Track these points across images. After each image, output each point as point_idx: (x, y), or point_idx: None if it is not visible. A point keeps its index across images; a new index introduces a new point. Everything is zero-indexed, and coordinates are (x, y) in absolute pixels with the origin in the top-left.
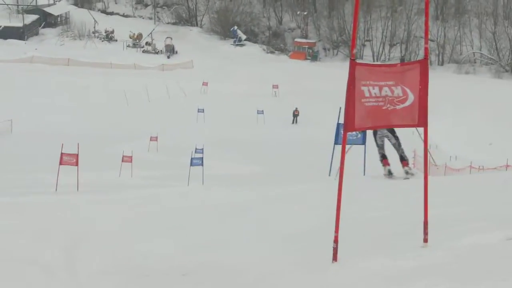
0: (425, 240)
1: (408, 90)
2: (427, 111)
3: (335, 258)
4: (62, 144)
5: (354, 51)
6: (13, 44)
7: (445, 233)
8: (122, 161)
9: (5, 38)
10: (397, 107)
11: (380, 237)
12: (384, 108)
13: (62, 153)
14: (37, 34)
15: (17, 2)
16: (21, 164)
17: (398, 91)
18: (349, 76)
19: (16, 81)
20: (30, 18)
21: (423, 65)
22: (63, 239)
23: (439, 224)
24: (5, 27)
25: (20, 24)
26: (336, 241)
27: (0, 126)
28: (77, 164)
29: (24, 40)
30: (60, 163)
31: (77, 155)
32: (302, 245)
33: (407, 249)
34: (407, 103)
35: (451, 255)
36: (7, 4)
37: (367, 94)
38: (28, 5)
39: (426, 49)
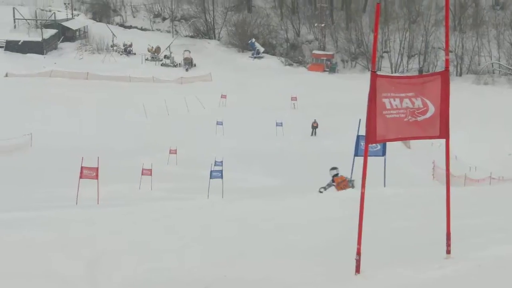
0: (448, 252)
1: (428, 102)
2: (449, 122)
3: (358, 270)
4: (82, 158)
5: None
6: (33, 58)
7: (467, 244)
8: (142, 174)
9: (25, 52)
10: (418, 118)
11: (402, 248)
12: (405, 120)
13: (82, 167)
14: (56, 48)
15: (36, 17)
16: (42, 178)
17: (418, 102)
18: (370, 88)
19: (36, 95)
20: (49, 32)
21: (444, 77)
22: (85, 253)
23: (461, 235)
24: (25, 42)
25: (39, 39)
26: (358, 253)
27: (20, 141)
28: (97, 178)
29: (43, 54)
30: (80, 177)
31: (97, 168)
32: (325, 257)
33: (430, 261)
34: (428, 115)
35: (474, 266)
36: (26, 19)
37: (388, 106)
38: (47, 20)
39: (447, 60)
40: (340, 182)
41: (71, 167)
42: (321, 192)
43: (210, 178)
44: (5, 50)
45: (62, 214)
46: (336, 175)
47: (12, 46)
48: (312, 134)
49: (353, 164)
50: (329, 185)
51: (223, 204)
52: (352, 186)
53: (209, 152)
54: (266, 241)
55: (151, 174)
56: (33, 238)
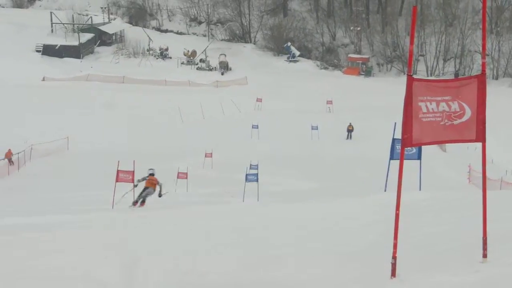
0: (484, 256)
1: (465, 105)
2: (485, 126)
3: (393, 274)
4: (118, 162)
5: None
6: (70, 62)
7: (504, 248)
8: (178, 177)
9: (62, 56)
10: (455, 122)
11: (438, 252)
12: (441, 123)
13: (118, 170)
14: (92, 52)
15: (73, 21)
16: (78, 181)
17: (455, 106)
18: (406, 91)
19: (72, 99)
20: (86, 36)
21: (481, 80)
22: (121, 256)
23: (498, 239)
24: (62, 46)
25: (76, 43)
26: (394, 256)
27: (57, 144)
28: (133, 181)
29: (80, 58)
30: (116, 180)
31: (133, 172)
32: (360, 262)
33: (466, 265)
34: (464, 118)
35: (510, 271)
36: (64, 23)
37: (424, 110)
38: (84, 24)
39: (483, 64)
40: (150, 180)
41: (106, 171)
42: (135, 185)
43: (246, 181)
44: (42, 54)
45: (99, 218)
46: (152, 174)
47: (49, 50)
48: (347, 138)
49: (388, 167)
50: (143, 179)
51: (259, 207)
52: (160, 192)
53: (244, 156)
54: (301, 245)
55: (186, 178)
56: (70, 241)
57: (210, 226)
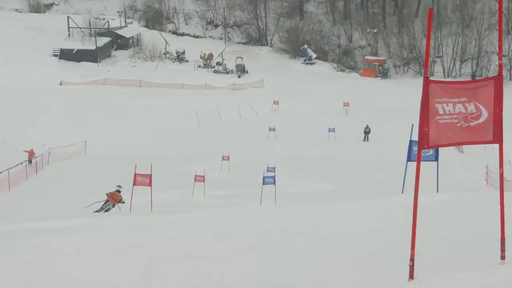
0: (502, 257)
1: (481, 107)
2: (502, 127)
3: (411, 276)
4: (136, 165)
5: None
6: (87, 66)
7: None
8: (195, 180)
9: (79, 60)
10: (471, 123)
11: (456, 254)
12: (458, 125)
13: (135, 174)
14: (109, 56)
15: (90, 25)
16: (96, 185)
17: (471, 107)
18: (423, 93)
19: (90, 103)
20: (103, 40)
21: (498, 82)
22: (139, 260)
23: None
24: (79, 50)
25: (93, 47)
26: (412, 259)
27: (75, 148)
28: (150, 185)
29: (97, 62)
30: (134, 184)
31: (151, 175)
32: (378, 264)
33: (484, 266)
34: (481, 120)
35: None
36: (80, 28)
37: (441, 112)
38: (100, 28)
39: (500, 65)
40: (114, 196)
41: (124, 174)
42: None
43: (263, 184)
44: (59, 58)
45: (117, 221)
46: (118, 191)
47: (66, 55)
48: (364, 140)
49: (405, 169)
50: (110, 193)
51: (276, 210)
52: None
53: (261, 158)
54: (319, 248)
55: (204, 181)
56: (89, 245)
57: (228, 229)
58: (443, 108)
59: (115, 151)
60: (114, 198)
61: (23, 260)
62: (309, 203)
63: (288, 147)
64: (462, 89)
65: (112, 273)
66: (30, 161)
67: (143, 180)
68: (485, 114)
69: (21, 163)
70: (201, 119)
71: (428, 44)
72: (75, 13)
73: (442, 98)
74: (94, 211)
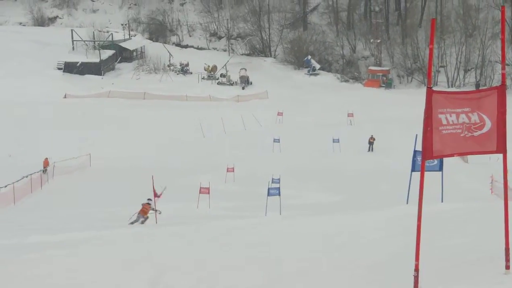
0: (507, 267)
1: (485, 117)
2: (506, 137)
3: (416, 286)
4: (152, 176)
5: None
6: (91, 79)
7: None
8: (200, 192)
9: (83, 73)
10: (475, 133)
11: (461, 264)
12: (462, 135)
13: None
14: (113, 69)
15: (94, 38)
16: (100, 197)
17: (475, 117)
18: (426, 104)
19: (94, 116)
20: (107, 53)
21: (501, 91)
22: (145, 272)
23: None
24: (83, 63)
25: (97, 60)
26: (416, 269)
27: (79, 161)
28: (154, 197)
29: (101, 75)
30: (154, 196)
31: (153, 187)
32: (383, 274)
33: (489, 277)
34: (484, 130)
35: None
36: (84, 41)
37: (444, 122)
38: (104, 41)
39: (503, 75)
40: (143, 209)
41: (128, 187)
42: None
43: (268, 195)
44: (63, 71)
45: (122, 234)
46: (148, 203)
47: (70, 68)
48: (369, 150)
49: (410, 179)
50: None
51: (281, 221)
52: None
53: (266, 170)
54: (324, 258)
55: (208, 193)
56: (95, 258)
57: (233, 241)
58: (446, 118)
59: (119, 164)
60: (143, 211)
61: (29, 273)
62: (314, 214)
63: (292, 158)
64: (466, 99)
65: (118, 286)
66: (44, 171)
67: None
68: (488, 124)
69: (43, 169)
70: (206, 130)
71: (430, 55)
72: (79, 26)
73: (445, 108)
74: (129, 223)
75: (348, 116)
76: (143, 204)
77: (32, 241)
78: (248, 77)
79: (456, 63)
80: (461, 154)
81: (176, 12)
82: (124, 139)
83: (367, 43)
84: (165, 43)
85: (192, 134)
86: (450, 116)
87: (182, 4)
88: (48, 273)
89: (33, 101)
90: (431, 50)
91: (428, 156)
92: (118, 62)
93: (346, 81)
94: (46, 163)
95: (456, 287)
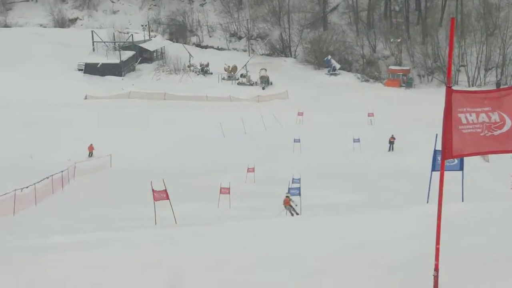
0: None
1: (505, 116)
2: None
3: (436, 286)
4: (151, 182)
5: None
6: (111, 80)
7: None
8: (220, 192)
9: (103, 75)
10: (495, 133)
11: (481, 264)
12: (481, 134)
13: (153, 191)
14: (133, 70)
15: (114, 39)
16: (121, 198)
17: (495, 117)
18: (445, 103)
19: (115, 117)
20: (127, 54)
21: None
22: (165, 272)
23: None
24: (103, 64)
25: (117, 61)
26: (436, 269)
27: (100, 162)
28: (168, 198)
29: (121, 76)
30: (154, 200)
31: (165, 190)
32: (403, 274)
33: (509, 276)
34: (504, 129)
35: None
36: (105, 42)
37: (464, 121)
38: (124, 42)
39: None
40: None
41: (149, 187)
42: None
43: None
44: (84, 73)
45: (143, 234)
46: (288, 196)
47: (91, 69)
48: (389, 150)
49: (430, 179)
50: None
51: (301, 221)
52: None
53: (287, 170)
54: (344, 258)
55: (229, 193)
56: (116, 258)
57: (253, 241)
58: (466, 117)
59: (140, 164)
60: (286, 202)
61: (51, 273)
62: (334, 213)
63: (313, 158)
64: (486, 98)
65: (138, 286)
66: (90, 154)
67: (160, 195)
68: (509, 123)
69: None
70: (226, 131)
71: (450, 54)
72: (99, 27)
73: (465, 107)
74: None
75: (368, 115)
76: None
77: (52, 242)
78: (268, 77)
79: (477, 62)
80: (481, 154)
81: (196, 13)
82: (144, 140)
83: (387, 43)
84: (185, 43)
85: (212, 134)
86: (470, 115)
87: (202, 5)
88: (68, 274)
89: (54, 102)
90: (450, 50)
91: (448, 155)
92: (138, 63)
93: (367, 80)
94: (91, 148)
95: (477, 286)
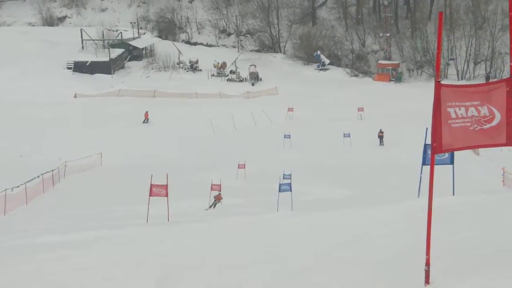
0: None
1: (494, 109)
2: None
3: (427, 281)
4: (152, 175)
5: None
6: (100, 78)
7: None
8: (211, 189)
9: (93, 72)
10: (484, 127)
11: (472, 257)
12: (471, 128)
13: (151, 185)
14: (123, 67)
15: (103, 37)
16: (112, 196)
17: (484, 110)
18: (434, 98)
19: (104, 115)
20: (116, 52)
21: (510, 84)
22: (154, 270)
23: None
24: (92, 62)
25: (107, 59)
26: (427, 263)
27: (91, 160)
28: (166, 195)
29: (110, 74)
30: (150, 195)
31: (166, 186)
32: (394, 268)
33: (501, 270)
34: (494, 123)
35: None
36: (94, 40)
37: (453, 116)
38: (114, 40)
39: (511, 67)
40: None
41: (140, 185)
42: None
43: (279, 191)
44: (73, 71)
45: (134, 233)
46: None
47: (80, 67)
48: (380, 144)
49: (421, 173)
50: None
51: (293, 217)
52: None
53: (277, 166)
54: (335, 254)
55: (220, 190)
56: (107, 257)
57: (245, 238)
58: (455, 112)
59: (131, 162)
60: (218, 198)
61: (42, 273)
62: (325, 209)
63: (303, 153)
64: (474, 92)
65: (128, 285)
66: (146, 121)
67: (159, 191)
68: (498, 117)
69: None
70: (216, 127)
71: (439, 49)
72: (88, 25)
73: (454, 102)
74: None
75: (358, 110)
76: (215, 197)
77: (44, 241)
78: (257, 73)
79: (466, 56)
80: (470, 147)
81: (185, 10)
82: (134, 137)
83: (377, 37)
84: (174, 40)
85: (202, 131)
86: (459, 109)
87: (190, 2)
88: (59, 273)
89: (43, 101)
90: (439, 45)
91: (437, 150)
92: (127, 61)
93: (356, 75)
94: (146, 115)
95: (468, 281)
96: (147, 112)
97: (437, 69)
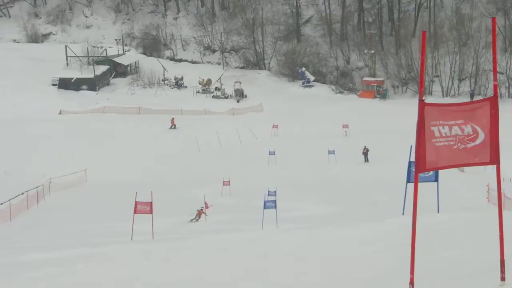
0: (502, 279)
1: (478, 128)
2: (499, 148)
3: None
4: (136, 193)
5: (423, 90)
6: (85, 95)
7: None
8: (206, 207)
9: (77, 89)
10: (468, 145)
11: (456, 276)
12: (455, 147)
13: (136, 202)
14: (108, 84)
15: (88, 54)
16: (96, 213)
17: (468, 129)
18: (418, 117)
19: (89, 132)
20: (101, 68)
21: (493, 103)
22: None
23: None
24: (77, 79)
25: (92, 75)
26: (412, 282)
27: (75, 177)
28: (151, 212)
29: (95, 90)
30: (135, 212)
31: (151, 203)
32: (379, 287)
33: None
34: (477, 141)
35: None
36: (78, 56)
37: (437, 134)
38: (98, 56)
39: (495, 86)
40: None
41: (125, 202)
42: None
43: (264, 208)
44: (58, 87)
45: (119, 250)
46: (202, 208)
47: (65, 84)
48: (365, 161)
49: (405, 190)
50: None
51: (277, 234)
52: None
53: (262, 182)
54: (320, 272)
55: (207, 207)
56: (91, 275)
57: (230, 255)
58: (439, 130)
59: (115, 179)
60: (200, 213)
61: None
62: (310, 226)
63: (288, 170)
64: (458, 111)
65: None
66: (174, 127)
67: (143, 208)
68: (481, 136)
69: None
70: (201, 144)
71: (422, 68)
72: (73, 42)
73: (438, 121)
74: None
75: (343, 127)
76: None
77: (28, 259)
78: (242, 90)
79: (450, 73)
80: (454, 166)
81: (169, 27)
82: (120, 154)
83: (361, 54)
84: (159, 57)
85: (187, 148)
86: (443, 128)
87: (175, 19)
88: None
89: (28, 117)
90: (422, 64)
91: (421, 169)
92: (112, 77)
93: (341, 92)
94: (172, 121)
95: None
96: (173, 118)
97: (421, 88)
